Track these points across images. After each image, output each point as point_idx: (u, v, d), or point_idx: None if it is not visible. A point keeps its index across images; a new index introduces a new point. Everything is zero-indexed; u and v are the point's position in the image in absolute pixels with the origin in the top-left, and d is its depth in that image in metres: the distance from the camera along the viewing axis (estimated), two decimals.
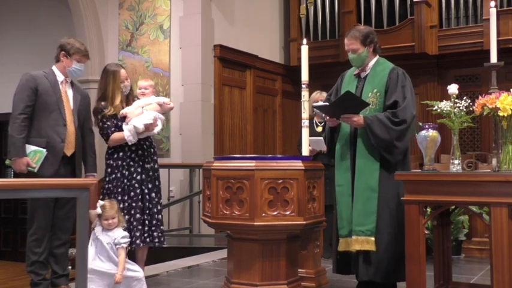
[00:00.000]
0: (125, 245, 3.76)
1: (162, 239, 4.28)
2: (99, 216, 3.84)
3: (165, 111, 4.49)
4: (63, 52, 4.10)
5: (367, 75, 3.80)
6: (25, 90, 3.95)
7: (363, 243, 3.56)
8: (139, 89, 4.40)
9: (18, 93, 3.97)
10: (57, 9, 8.89)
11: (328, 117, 3.79)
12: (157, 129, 4.26)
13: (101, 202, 3.89)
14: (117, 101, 4.23)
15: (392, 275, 3.57)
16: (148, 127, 4.18)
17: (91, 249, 3.70)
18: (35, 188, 2.57)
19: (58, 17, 8.86)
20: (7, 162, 4.00)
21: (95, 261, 3.66)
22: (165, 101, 4.41)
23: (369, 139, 3.61)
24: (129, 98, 4.39)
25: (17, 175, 3.90)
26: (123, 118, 4.23)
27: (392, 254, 3.54)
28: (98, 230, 3.84)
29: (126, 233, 3.83)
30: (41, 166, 3.92)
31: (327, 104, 3.74)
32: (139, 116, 4.20)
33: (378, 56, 3.85)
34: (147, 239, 4.20)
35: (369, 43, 3.76)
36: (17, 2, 9.36)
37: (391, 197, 3.58)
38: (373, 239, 3.55)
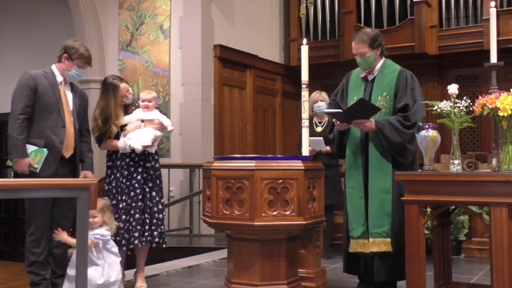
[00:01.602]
0: (92, 238, 3.58)
1: (161, 240, 4.27)
2: None
3: (164, 129, 4.38)
4: (65, 55, 4.06)
5: (374, 78, 3.81)
6: (24, 90, 3.93)
7: (380, 244, 3.62)
8: (143, 101, 4.28)
9: (18, 93, 3.94)
10: (57, 9, 8.89)
11: (338, 122, 3.80)
12: (154, 149, 4.25)
13: None
14: (121, 119, 4.19)
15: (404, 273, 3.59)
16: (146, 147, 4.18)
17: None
18: (34, 188, 2.57)
19: (58, 17, 8.86)
20: (8, 163, 3.99)
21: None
22: (168, 126, 4.27)
23: (381, 142, 3.65)
24: (129, 109, 4.38)
25: (17, 175, 3.89)
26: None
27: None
28: None
29: (104, 233, 3.68)
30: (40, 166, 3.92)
31: (340, 111, 3.75)
32: (139, 132, 4.17)
33: (384, 58, 3.86)
34: (147, 238, 4.20)
35: (377, 46, 3.77)
36: (17, 2, 9.36)
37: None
38: (389, 240, 3.61)
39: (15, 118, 3.88)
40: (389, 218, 3.63)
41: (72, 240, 3.57)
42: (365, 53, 3.76)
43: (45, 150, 3.92)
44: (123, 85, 4.27)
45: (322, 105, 5.42)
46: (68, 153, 4.04)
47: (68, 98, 4.12)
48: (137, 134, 4.16)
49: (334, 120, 3.88)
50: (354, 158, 3.80)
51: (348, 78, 3.99)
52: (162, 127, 4.31)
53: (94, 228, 3.73)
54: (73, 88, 4.21)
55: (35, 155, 3.90)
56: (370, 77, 3.84)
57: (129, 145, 4.12)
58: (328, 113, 3.87)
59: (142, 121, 4.22)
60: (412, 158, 3.73)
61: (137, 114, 4.27)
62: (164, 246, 4.31)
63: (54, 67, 4.11)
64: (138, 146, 4.11)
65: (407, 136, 3.62)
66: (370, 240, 3.64)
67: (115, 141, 4.21)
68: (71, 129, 4.07)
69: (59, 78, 4.08)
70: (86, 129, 4.29)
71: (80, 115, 4.20)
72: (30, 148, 3.90)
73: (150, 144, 4.17)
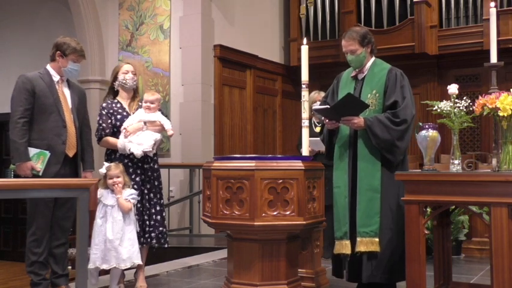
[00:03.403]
0: (132, 201, 3.97)
1: (162, 240, 4.28)
2: (104, 177, 3.96)
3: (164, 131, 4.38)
4: (58, 52, 4.06)
5: (364, 76, 3.79)
6: (22, 93, 3.93)
7: (367, 244, 3.56)
8: (145, 102, 4.25)
9: (16, 97, 3.94)
10: (58, 9, 8.89)
11: (327, 120, 3.78)
12: (152, 153, 4.25)
13: (106, 163, 3.96)
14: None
15: (397, 274, 3.56)
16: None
17: (98, 217, 3.94)
18: (35, 188, 2.58)
19: (58, 17, 8.86)
20: (11, 167, 3.99)
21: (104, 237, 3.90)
22: (169, 130, 4.27)
23: (370, 140, 3.62)
24: (135, 95, 4.41)
25: (17, 176, 3.89)
26: (122, 119, 4.24)
27: (396, 253, 3.54)
28: (101, 192, 3.95)
29: (133, 191, 4.00)
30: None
31: (328, 107, 3.73)
32: (140, 135, 4.16)
33: (374, 57, 3.85)
34: (147, 240, 4.20)
35: (367, 44, 3.75)
36: (17, 3, 9.36)
37: (393, 196, 3.59)
38: (377, 239, 3.55)
39: (15, 122, 3.88)
40: (378, 217, 3.58)
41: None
42: (355, 50, 3.74)
43: (47, 152, 3.93)
44: (124, 64, 4.40)
45: None
46: (71, 152, 4.05)
47: (67, 96, 4.12)
48: (138, 137, 4.15)
49: (323, 118, 3.86)
50: (341, 156, 3.76)
51: (338, 79, 3.97)
52: (163, 129, 4.31)
53: (119, 190, 3.93)
54: (70, 85, 4.20)
55: (37, 158, 3.90)
56: (360, 76, 3.81)
57: (129, 149, 4.12)
58: (316, 110, 3.83)
59: (145, 123, 4.21)
60: (402, 157, 3.68)
61: (139, 115, 4.25)
62: (166, 246, 4.33)
63: (49, 67, 4.10)
64: (138, 152, 4.11)
65: (397, 133, 3.58)
66: (358, 239, 3.58)
67: (115, 139, 4.21)
68: (72, 128, 4.07)
69: (55, 78, 4.08)
70: (87, 125, 4.29)
71: (80, 112, 4.20)
72: (32, 151, 3.90)
73: (151, 149, 4.18)
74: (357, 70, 3.82)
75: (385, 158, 3.63)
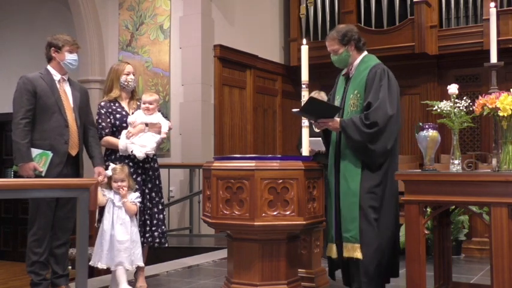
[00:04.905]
0: (139, 204, 4.03)
1: (163, 240, 4.29)
2: (109, 178, 3.99)
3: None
4: (53, 48, 4.07)
5: (352, 75, 3.67)
6: (24, 94, 3.93)
7: (350, 250, 3.47)
8: (144, 103, 4.25)
9: (18, 98, 3.95)
10: (58, 9, 8.89)
11: (313, 122, 3.73)
12: (151, 154, 4.25)
13: (112, 165, 3.97)
14: (113, 93, 4.27)
15: (380, 280, 3.49)
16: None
17: (107, 217, 3.95)
18: (35, 188, 2.58)
19: (58, 17, 8.86)
20: (14, 168, 4.00)
21: (113, 231, 3.92)
22: (162, 133, 4.25)
23: None
24: (134, 95, 4.40)
25: (20, 177, 3.88)
26: (122, 118, 4.23)
27: (378, 258, 3.44)
28: (106, 191, 3.98)
29: (138, 194, 4.06)
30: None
31: (299, 110, 3.67)
32: (142, 137, 4.16)
33: (365, 53, 3.69)
34: (148, 239, 4.21)
35: (347, 42, 3.60)
36: (17, 3, 9.36)
37: (374, 201, 3.46)
38: (358, 245, 3.44)
39: (17, 123, 3.89)
40: (357, 222, 3.45)
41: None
42: (337, 50, 3.62)
43: (50, 153, 3.93)
44: (125, 65, 4.36)
45: None
46: (74, 151, 4.06)
47: (68, 95, 4.13)
48: (140, 139, 4.15)
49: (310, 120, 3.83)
50: (331, 161, 3.70)
51: (338, 78, 3.87)
52: (160, 130, 4.31)
53: (124, 193, 3.96)
54: (71, 84, 4.21)
55: (40, 158, 3.90)
56: (350, 74, 3.69)
57: (131, 151, 4.13)
58: (294, 113, 3.81)
59: (147, 125, 4.21)
60: (383, 160, 3.48)
61: (140, 116, 4.24)
62: (166, 245, 4.34)
63: (49, 67, 4.11)
64: (140, 154, 4.12)
65: (368, 136, 3.40)
66: (344, 244, 3.51)
67: (115, 139, 4.21)
68: (74, 127, 4.08)
69: (56, 77, 4.09)
70: (91, 123, 4.29)
71: (83, 110, 4.20)
72: (35, 152, 3.90)
73: (153, 152, 4.20)
74: (347, 69, 3.72)
75: (365, 162, 3.50)
